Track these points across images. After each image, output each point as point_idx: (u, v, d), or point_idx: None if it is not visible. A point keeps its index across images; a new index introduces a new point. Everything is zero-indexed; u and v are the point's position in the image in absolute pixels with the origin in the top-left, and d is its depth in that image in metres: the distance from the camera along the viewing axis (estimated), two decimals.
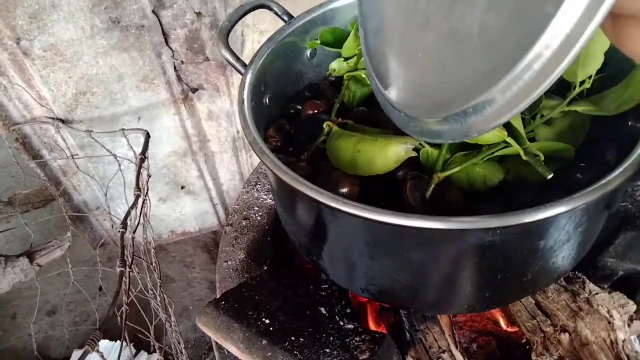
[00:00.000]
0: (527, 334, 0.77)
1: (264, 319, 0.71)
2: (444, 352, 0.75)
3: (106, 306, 1.87)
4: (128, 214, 0.98)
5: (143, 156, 1.17)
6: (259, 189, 1.07)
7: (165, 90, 1.49)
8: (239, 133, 1.69)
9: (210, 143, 1.73)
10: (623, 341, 0.73)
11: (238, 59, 0.81)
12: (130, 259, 1.01)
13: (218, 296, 0.90)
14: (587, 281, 0.80)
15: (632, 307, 0.77)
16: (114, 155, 1.47)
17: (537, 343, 0.76)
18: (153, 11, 1.28)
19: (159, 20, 1.31)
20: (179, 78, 1.48)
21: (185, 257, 2.01)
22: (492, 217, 0.50)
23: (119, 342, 1.59)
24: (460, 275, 0.63)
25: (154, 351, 1.64)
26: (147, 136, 1.30)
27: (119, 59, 1.36)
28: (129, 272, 0.95)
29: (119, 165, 1.50)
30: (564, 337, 0.74)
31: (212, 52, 1.42)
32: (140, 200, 1.06)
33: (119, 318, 1.69)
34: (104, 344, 1.59)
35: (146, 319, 1.29)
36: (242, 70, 0.80)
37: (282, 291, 0.76)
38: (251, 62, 0.80)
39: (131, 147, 1.45)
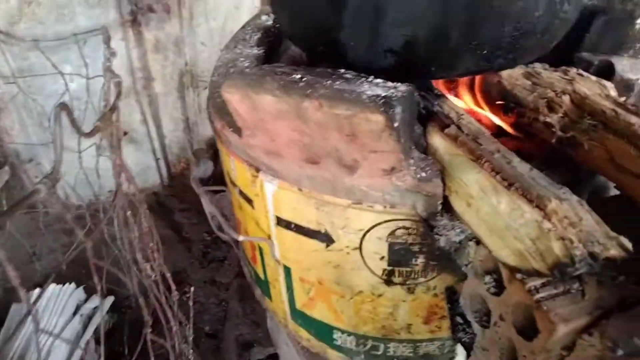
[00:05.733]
0: (531, 103, 0.82)
1: (294, 75, 0.69)
2: (462, 115, 0.78)
3: None
4: None
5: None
6: None
7: (115, 8, 1.43)
8: (187, 65, 1.66)
9: (155, 83, 1.67)
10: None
11: None
12: None
13: None
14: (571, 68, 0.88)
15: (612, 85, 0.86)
16: (61, 72, 1.38)
17: (543, 106, 0.81)
18: None
19: None
20: None
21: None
22: None
23: (67, 285, 1.45)
24: None
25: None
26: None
27: None
28: None
29: (66, 85, 1.41)
30: (565, 98, 0.80)
31: None
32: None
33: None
34: (51, 288, 1.44)
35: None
36: None
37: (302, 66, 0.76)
38: None
39: (85, 64, 1.38)
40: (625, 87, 0.94)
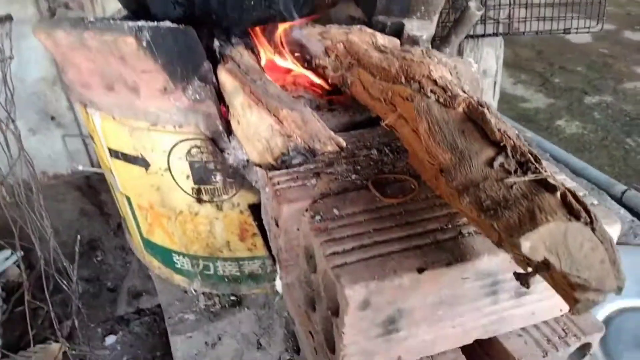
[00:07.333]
0: (314, 52, 1.01)
1: (86, 21, 0.88)
2: (243, 56, 0.96)
3: None
4: None
5: None
6: None
7: (32, 4, 1.63)
8: None
9: None
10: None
11: None
12: None
13: None
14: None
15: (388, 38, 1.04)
16: None
17: (322, 52, 1.00)
18: None
19: None
20: None
21: (57, 194, 2.06)
22: None
23: None
24: None
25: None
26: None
27: None
28: None
29: None
30: (339, 45, 0.99)
31: None
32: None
33: None
34: None
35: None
36: None
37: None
38: None
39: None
40: (413, 42, 1.12)
